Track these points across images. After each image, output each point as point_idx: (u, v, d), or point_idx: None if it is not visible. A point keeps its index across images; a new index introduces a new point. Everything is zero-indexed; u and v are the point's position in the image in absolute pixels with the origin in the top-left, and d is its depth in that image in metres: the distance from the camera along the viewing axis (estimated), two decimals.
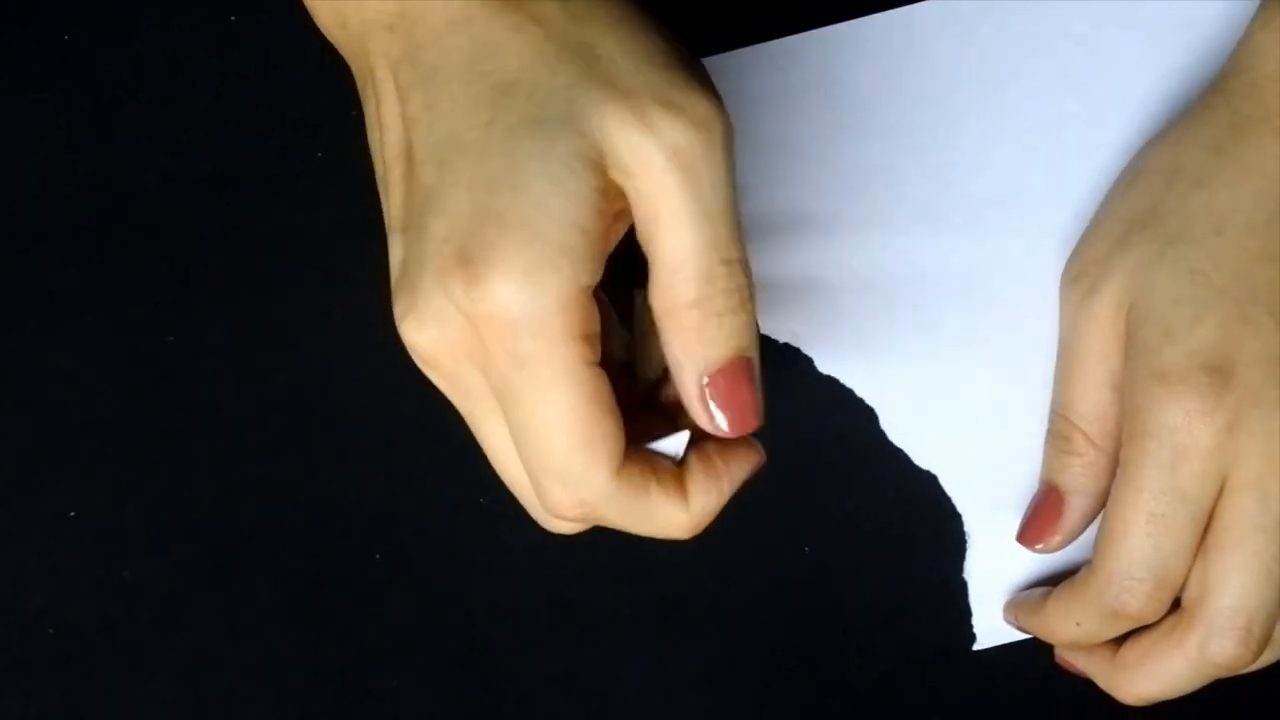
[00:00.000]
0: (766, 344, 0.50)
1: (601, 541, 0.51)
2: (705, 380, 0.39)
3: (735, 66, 0.50)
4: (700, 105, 0.38)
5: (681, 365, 0.39)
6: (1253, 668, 0.45)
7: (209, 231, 0.50)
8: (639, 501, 0.39)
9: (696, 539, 0.51)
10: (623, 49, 0.38)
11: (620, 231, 0.40)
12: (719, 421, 0.39)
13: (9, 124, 0.50)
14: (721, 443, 0.41)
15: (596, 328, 0.38)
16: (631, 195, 0.38)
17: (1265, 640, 0.44)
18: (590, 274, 0.38)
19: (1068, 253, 0.49)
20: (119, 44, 0.50)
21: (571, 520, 0.40)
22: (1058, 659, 0.49)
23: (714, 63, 0.50)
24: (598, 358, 0.38)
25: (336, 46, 0.42)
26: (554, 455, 0.38)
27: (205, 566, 0.51)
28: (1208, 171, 0.46)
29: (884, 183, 0.50)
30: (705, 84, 0.39)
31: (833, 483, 0.51)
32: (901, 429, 0.51)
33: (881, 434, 0.51)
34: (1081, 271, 0.48)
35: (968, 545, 0.51)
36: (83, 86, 0.50)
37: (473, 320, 0.37)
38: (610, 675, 0.51)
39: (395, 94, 0.40)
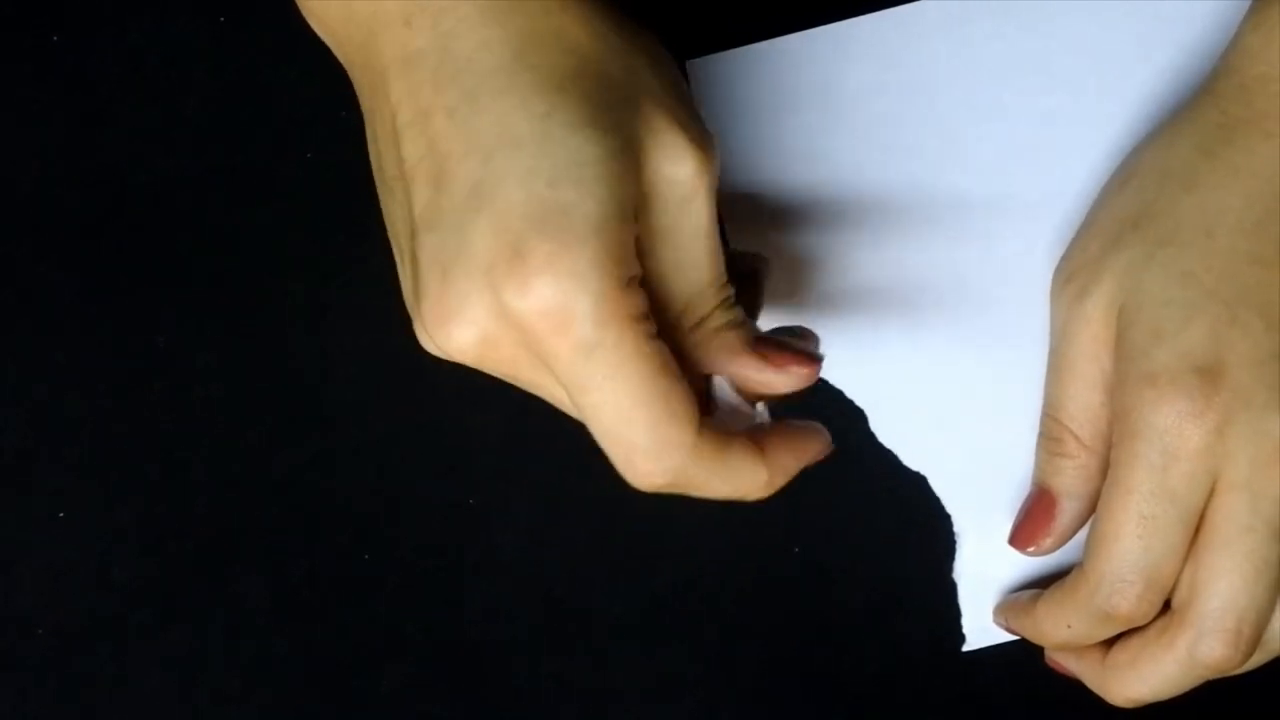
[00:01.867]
0: None
1: (592, 541, 0.51)
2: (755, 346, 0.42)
3: (727, 68, 0.50)
4: (713, 147, 0.40)
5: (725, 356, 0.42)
6: (1242, 669, 0.45)
7: (200, 230, 0.50)
8: (721, 461, 0.40)
9: (685, 539, 0.51)
10: (661, 84, 0.40)
11: None
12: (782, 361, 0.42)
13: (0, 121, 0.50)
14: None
15: (647, 307, 0.39)
16: (655, 209, 0.40)
17: (1255, 642, 0.44)
18: (636, 267, 0.39)
19: (1059, 254, 0.49)
20: (110, 43, 0.50)
21: (661, 487, 0.41)
22: (1048, 660, 0.49)
23: (706, 64, 0.50)
24: (655, 331, 0.39)
25: (335, 47, 0.42)
26: (637, 431, 0.39)
27: (196, 566, 0.51)
28: (1198, 173, 0.46)
29: (875, 184, 0.50)
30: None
31: (822, 484, 0.51)
32: (891, 430, 0.51)
33: (871, 435, 0.51)
34: (1073, 273, 0.48)
35: (957, 546, 0.51)
36: (74, 85, 0.50)
37: (526, 316, 0.38)
38: (601, 675, 0.51)
39: (412, 91, 0.39)
